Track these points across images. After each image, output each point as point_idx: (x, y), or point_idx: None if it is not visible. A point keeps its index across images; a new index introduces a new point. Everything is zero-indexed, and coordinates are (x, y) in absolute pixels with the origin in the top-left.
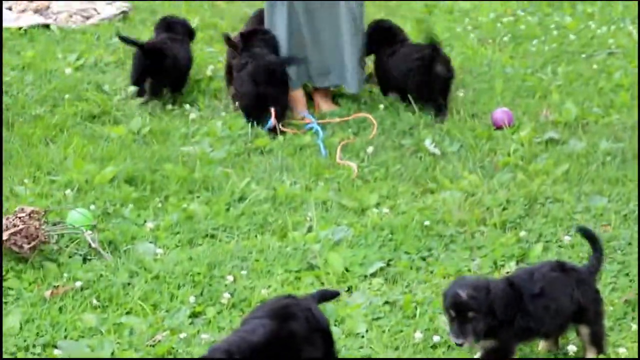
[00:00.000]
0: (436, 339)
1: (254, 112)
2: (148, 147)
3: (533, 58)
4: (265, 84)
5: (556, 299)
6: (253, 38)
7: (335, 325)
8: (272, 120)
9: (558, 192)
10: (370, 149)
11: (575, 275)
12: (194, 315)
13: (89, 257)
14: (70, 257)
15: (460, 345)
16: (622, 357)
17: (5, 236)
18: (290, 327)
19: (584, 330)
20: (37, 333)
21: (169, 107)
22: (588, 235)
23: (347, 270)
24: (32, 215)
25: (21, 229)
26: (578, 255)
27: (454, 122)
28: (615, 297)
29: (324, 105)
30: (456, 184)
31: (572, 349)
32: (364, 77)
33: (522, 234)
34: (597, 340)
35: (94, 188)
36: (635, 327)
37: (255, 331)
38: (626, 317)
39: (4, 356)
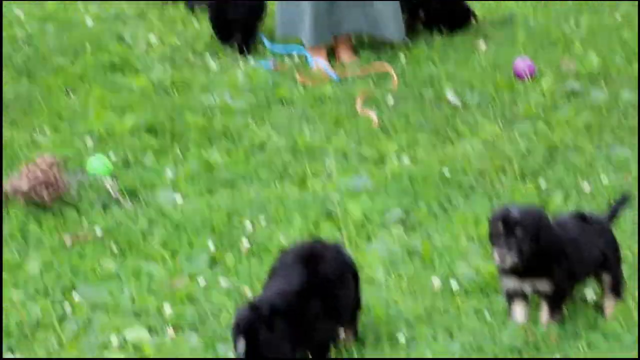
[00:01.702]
0: (455, 286)
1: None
2: (169, 97)
3: (556, 9)
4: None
5: (586, 246)
6: None
7: None
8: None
9: (579, 142)
10: (390, 99)
11: (597, 223)
12: (213, 262)
13: (108, 205)
14: (90, 204)
15: (504, 263)
16: None
17: (25, 187)
18: (323, 271)
19: (605, 276)
20: (57, 278)
21: (190, 57)
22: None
23: (366, 218)
24: (52, 165)
25: (42, 180)
26: (598, 204)
27: (475, 73)
28: (634, 244)
29: (345, 55)
30: (476, 134)
31: (590, 294)
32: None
33: (542, 183)
34: (616, 287)
35: (114, 137)
36: None
37: (291, 280)
38: None
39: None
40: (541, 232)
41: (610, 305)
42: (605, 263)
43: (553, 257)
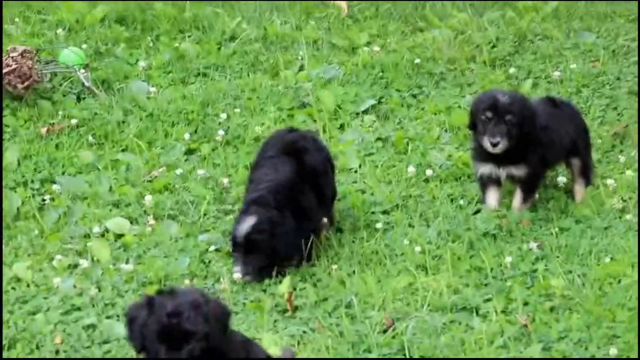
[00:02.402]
0: (429, 172)
1: None
2: None
3: None
4: None
5: (557, 132)
6: None
7: None
8: None
9: (547, 29)
10: None
11: (567, 109)
12: (189, 152)
13: (82, 96)
14: (64, 95)
15: (495, 148)
16: (610, 188)
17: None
18: (308, 161)
19: (575, 162)
20: (35, 169)
21: None
22: None
23: (339, 107)
24: (24, 54)
25: (14, 69)
26: (567, 90)
27: None
28: (604, 131)
29: None
30: (446, 22)
31: (562, 180)
32: None
33: (512, 70)
34: (586, 171)
35: (85, 28)
36: (623, 158)
37: (278, 170)
38: (614, 149)
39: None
40: (527, 119)
41: (580, 190)
42: (576, 149)
43: (529, 143)
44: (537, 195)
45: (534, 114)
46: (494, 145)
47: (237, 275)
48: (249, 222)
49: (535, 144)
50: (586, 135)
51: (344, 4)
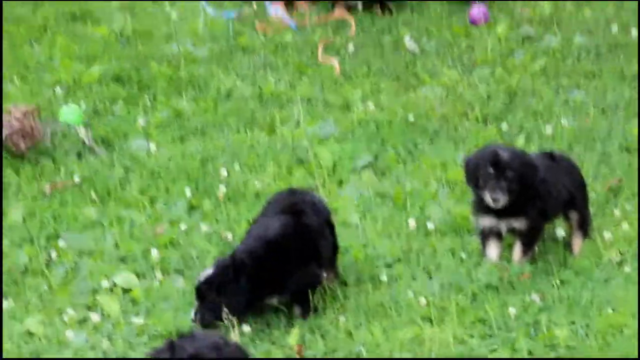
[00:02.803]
0: (430, 226)
1: None
2: (132, 47)
3: None
4: None
5: (555, 185)
6: None
7: None
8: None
9: (537, 86)
10: (350, 47)
11: (565, 163)
12: (192, 208)
13: (83, 154)
14: (65, 153)
15: (497, 203)
16: (607, 241)
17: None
18: (303, 221)
19: (573, 215)
20: (40, 226)
21: (149, 8)
22: None
23: (336, 164)
24: (26, 114)
25: (18, 129)
26: (559, 145)
27: (431, 20)
28: (598, 185)
29: (303, 4)
30: (436, 79)
31: (560, 233)
32: None
33: (504, 126)
34: (584, 224)
35: (82, 87)
36: (618, 212)
37: (269, 228)
38: (609, 203)
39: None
40: (527, 174)
41: (578, 243)
42: (574, 202)
43: (530, 196)
44: (536, 248)
45: (535, 168)
46: (495, 200)
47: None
48: (204, 274)
49: (535, 197)
50: (583, 189)
51: (335, 63)
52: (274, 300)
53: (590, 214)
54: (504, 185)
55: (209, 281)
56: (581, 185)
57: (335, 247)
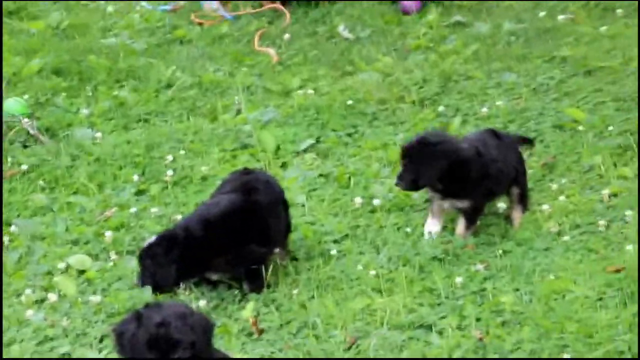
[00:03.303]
0: (376, 202)
1: None
2: (70, 40)
3: None
4: None
5: (503, 163)
6: None
7: None
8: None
9: (470, 70)
10: (286, 36)
11: (507, 139)
12: (139, 192)
13: (28, 144)
14: (11, 143)
15: (397, 185)
16: (546, 213)
17: None
18: (253, 199)
19: (515, 190)
20: None
21: (83, 2)
22: None
23: (279, 147)
24: None
25: None
26: (494, 125)
27: (364, 9)
28: (533, 162)
29: None
30: (372, 66)
31: (501, 206)
32: None
33: (441, 108)
34: (523, 199)
35: (23, 79)
36: (555, 186)
37: (214, 205)
38: (544, 178)
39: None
40: (431, 164)
41: (518, 216)
42: (517, 178)
43: (473, 179)
44: (478, 222)
45: (439, 158)
46: (396, 185)
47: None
48: (147, 241)
49: (483, 178)
50: (523, 164)
51: (272, 52)
52: (216, 276)
53: (528, 188)
54: (402, 174)
55: (146, 248)
56: (522, 161)
57: (288, 226)
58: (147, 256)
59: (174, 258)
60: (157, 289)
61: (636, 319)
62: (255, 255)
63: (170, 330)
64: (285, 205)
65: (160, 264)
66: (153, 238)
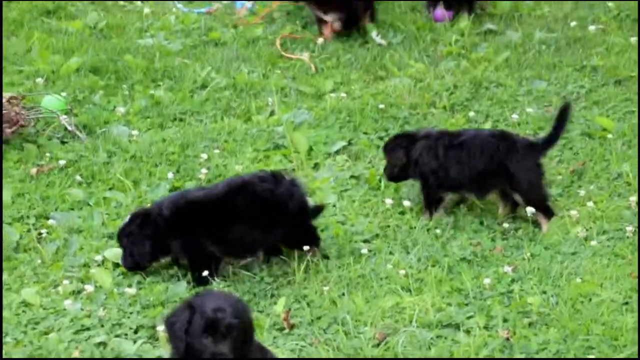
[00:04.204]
0: (406, 203)
1: None
2: (107, 40)
3: None
4: None
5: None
6: None
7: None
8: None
9: (501, 77)
10: (320, 41)
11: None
12: (174, 189)
13: (65, 140)
14: (49, 139)
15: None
16: (574, 218)
17: None
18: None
19: (514, 195)
20: (29, 206)
21: (121, 2)
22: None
23: (311, 148)
24: (11, 100)
25: (2, 114)
26: (525, 132)
27: (396, 15)
28: (563, 168)
29: None
30: (404, 71)
31: (530, 210)
32: None
33: (471, 114)
34: (538, 205)
35: (62, 77)
36: (582, 192)
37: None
38: (573, 185)
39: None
40: (394, 156)
41: (543, 222)
42: (511, 182)
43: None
44: (440, 211)
45: (398, 151)
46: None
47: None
48: (123, 222)
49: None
50: (530, 172)
51: (306, 58)
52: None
53: (547, 194)
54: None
55: (122, 228)
56: (527, 168)
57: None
58: (123, 235)
59: (149, 234)
60: (138, 266)
61: None
62: (200, 250)
63: (227, 314)
64: (287, 214)
65: (136, 241)
66: (127, 218)
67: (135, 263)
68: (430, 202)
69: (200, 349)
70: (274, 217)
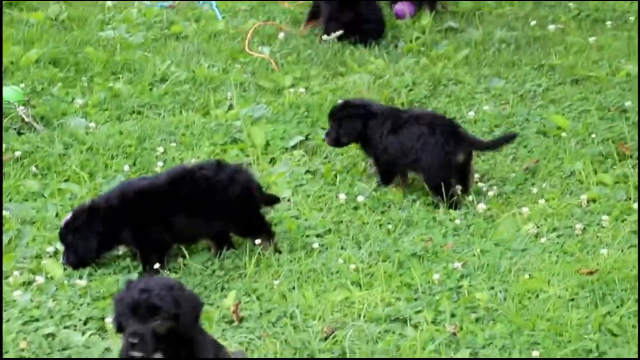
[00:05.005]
0: (360, 198)
1: None
2: (68, 32)
3: None
4: None
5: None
6: None
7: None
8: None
9: (459, 75)
10: (281, 35)
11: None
12: None
13: (22, 131)
14: (5, 130)
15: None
16: (525, 215)
17: None
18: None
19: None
20: None
21: None
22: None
23: (268, 143)
24: None
25: None
26: (480, 129)
27: None
28: (516, 165)
29: None
30: (364, 67)
31: (481, 207)
32: None
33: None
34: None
35: (21, 69)
36: (535, 190)
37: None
38: (526, 182)
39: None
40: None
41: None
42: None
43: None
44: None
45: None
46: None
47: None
48: (65, 219)
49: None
50: (438, 155)
51: (267, 56)
52: (125, 249)
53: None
54: (328, 132)
55: (66, 225)
56: (437, 152)
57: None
58: (68, 232)
59: (96, 228)
60: (81, 263)
61: (605, 319)
62: (150, 238)
63: (152, 296)
64: (228, 201)
65: (82, 236)
66: (69, 215)
67: (80, 259)
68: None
69: (124, 327)
70: (215, 204)
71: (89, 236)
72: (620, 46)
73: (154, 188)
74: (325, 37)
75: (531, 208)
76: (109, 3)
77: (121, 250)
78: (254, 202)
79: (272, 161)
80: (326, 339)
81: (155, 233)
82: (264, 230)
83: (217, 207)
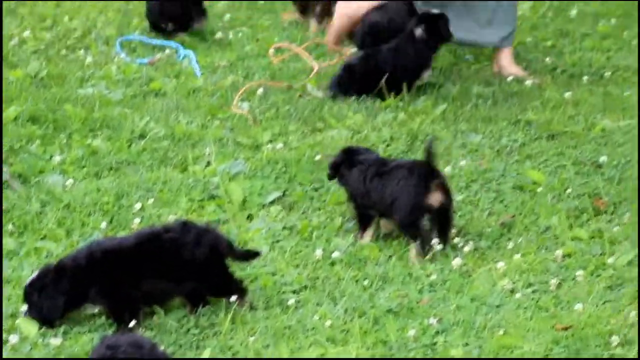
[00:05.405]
0: (335, 254)
1: None
2: (47, 90)
3: None
4: None
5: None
6: None
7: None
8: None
9: (437, 130)
10: (260, 91)
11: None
12: None
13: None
14: None
15: None
16: (501, 270)
17: None
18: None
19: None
20: None
21: (63, 52)
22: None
23: (246, 199)
24: None
25: None
26: (457, 184)
27: (336, 67)
28: (492, 221)
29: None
30: (342, 123)
31: (456, 262)
32: None
33: None
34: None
35: None
36: (511, 245)
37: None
38: (502, 237)
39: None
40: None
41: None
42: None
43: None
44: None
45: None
46: None
47: None
48: (31, 277)
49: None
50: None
51: (246, 112)
52: (94, 309)
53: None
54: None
55: (31, 283)
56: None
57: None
58: (34, 290)
59: (62, 287)
60: (46, 322)
61: None
62: (119, 298)
63: (118, 353)
64: (195, 264)
65: (48, 296)
66: (35, 274)
67: (44, 319)
68: None
69: None
70: (183, 265)
71: (55, 296)
72: (596, 101)
73: (123, 249)
74: (310, 89)
75: (507, 263)
76: (89, 60)
77: (89, 309)
78: (222, 262)
79: (250, 217)
80: None
81: (124, 291)
82: (236, 289)
83: (185, 268)
